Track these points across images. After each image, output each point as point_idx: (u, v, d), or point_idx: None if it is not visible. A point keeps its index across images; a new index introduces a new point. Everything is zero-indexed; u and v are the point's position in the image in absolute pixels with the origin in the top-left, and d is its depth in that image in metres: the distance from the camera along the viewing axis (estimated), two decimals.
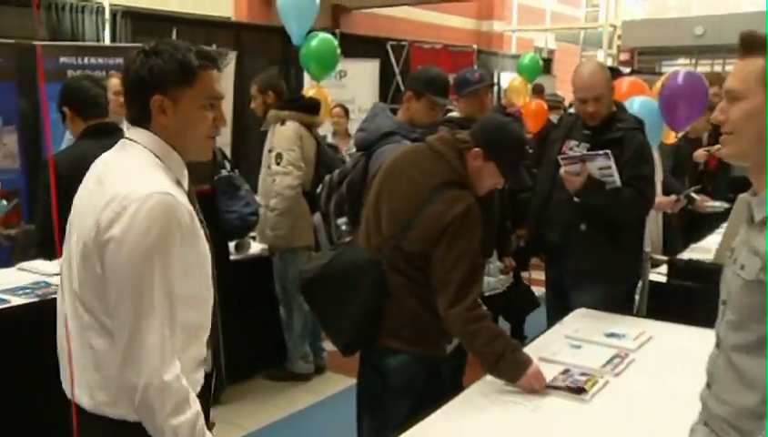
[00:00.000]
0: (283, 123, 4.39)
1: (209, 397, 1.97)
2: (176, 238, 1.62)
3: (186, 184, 1.78)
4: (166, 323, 1.61)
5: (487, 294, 4.30)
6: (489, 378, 2.49)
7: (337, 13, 13.72)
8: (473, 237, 2.40)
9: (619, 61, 17.24)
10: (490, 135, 2.52)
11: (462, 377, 3.00)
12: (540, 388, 2.36)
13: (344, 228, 3.43)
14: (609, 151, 3.26)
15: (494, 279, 4.47)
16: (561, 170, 3.35)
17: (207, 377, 1.89)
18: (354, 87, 7.32)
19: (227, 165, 3.80)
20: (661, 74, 12.22)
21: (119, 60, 5.77)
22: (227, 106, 6.32)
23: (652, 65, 18.89)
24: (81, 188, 1.75)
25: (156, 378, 1.59)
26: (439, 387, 2.50)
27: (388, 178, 2.59)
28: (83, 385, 1.73)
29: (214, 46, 7.12)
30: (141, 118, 1.73)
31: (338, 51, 6.17)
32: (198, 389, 1.79)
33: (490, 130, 2.55)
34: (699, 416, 1.70)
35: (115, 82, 4.09)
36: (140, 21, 7.22)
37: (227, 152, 6.30)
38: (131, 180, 1.63)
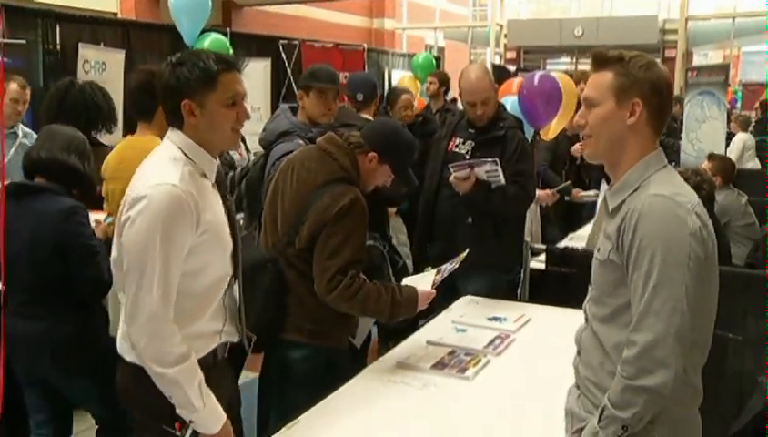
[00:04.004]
0: None
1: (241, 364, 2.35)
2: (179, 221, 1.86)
3: (212, 175, 2.03)
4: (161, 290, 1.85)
5: None
6: (381, 360, 2.67)
7: (228, 10, 13.59)
8: (356, 229, 2.53)
9: (506, 59, 17.87)
10: (385, 139, 2.70)
11: (364, 361, 3.16)
12: (431, 296, 2.74)
13: (241, 223, 3.53)
14: (497, 159, 3.50)
15: None
16: (451, 177, 3.56)
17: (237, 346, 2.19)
18: (246, 87, 7.27)
19: None
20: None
21: None
22: (118, 106, 6.21)
23: (537, 63, 19.68)
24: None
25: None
26: (339, 375, 2.61)
27: (282, 179, 2.71)
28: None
29: (102, 45, 6.98)
30: (175, 121, 1.98)
31: (231, 52, 6.19)
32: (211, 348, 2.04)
33: (386, 135, 2.72)
34: (575, 380, 1.93)
35: (13, 87, 3.87)
36: (18, 15, 6.80)
37: None
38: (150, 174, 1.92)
